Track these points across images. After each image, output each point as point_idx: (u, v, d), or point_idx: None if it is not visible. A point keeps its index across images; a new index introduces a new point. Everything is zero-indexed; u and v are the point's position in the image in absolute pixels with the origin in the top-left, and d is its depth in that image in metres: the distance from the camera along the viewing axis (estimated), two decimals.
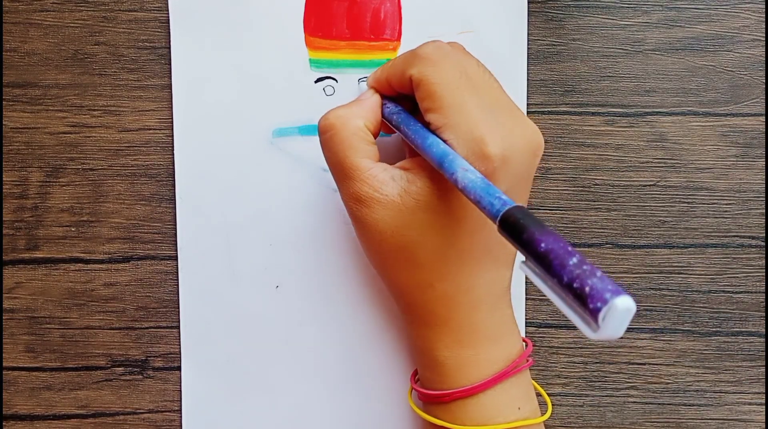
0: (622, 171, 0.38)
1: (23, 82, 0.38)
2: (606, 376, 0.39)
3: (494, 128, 0.29)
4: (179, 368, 0.38)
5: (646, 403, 0.39)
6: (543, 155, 0.32)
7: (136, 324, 0.38)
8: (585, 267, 0.21)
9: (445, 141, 0.29)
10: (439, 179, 0.30)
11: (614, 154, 0.38)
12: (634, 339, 0.39)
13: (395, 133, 0.36)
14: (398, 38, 0.37)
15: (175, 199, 0.38)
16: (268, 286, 0.38)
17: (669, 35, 0.38)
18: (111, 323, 0.38)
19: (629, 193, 0.38)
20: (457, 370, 0.32)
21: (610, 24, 0.38)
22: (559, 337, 0.39)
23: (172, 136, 0.38)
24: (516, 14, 0.37)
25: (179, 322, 0.38)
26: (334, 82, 0.38)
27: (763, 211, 0.38)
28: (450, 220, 0.30)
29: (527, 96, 0.38)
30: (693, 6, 0.38)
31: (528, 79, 0.38)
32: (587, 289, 0.21)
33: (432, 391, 0.33)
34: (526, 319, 0.38)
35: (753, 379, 0.39)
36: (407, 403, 0.38)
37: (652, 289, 0.39)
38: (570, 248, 0.22)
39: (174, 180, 0.38)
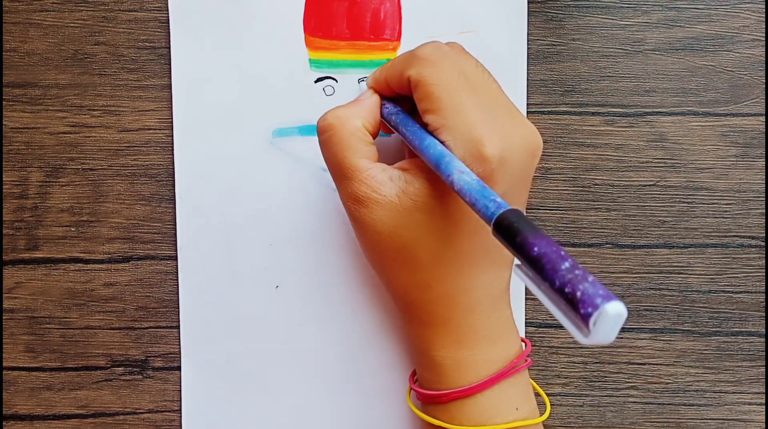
0: (622, 171, 0.38)
1: (23, 82, 0.38)
2: (606, 376, 0.39)
3: (492, 129, 0.29)
4: (179, 368, 0.38)
5: (646, 403, 0.39)
6: (543, 155, 0.32)
7: (136, 324, 0.38)
8: (577, 271, 0.21)
9: (443, 142, 0.29)
10: (438, 180, 0.30)
11: (614, 154, 0.38)
12: (634, 339, 0.39)
13: (395, 133, 0.36)
14: (398, 38, 0.37)
15: (175, 199, 0.38)
16: (268, 286, 0.38)
17: (669, 35, 0.38)
18: (111, 323, 0.38)
19: (629, 193, 0.38)
20: (455, 370, 0.32)
21: (610, 24, 0.38)
22: (558, 337, 0.39)
23: (172, 136, 0.38)
24: (516, 14, 0.37)
25: (179, 322, 0.38)
26: (334, 82, 0.38)
27: (763, 211, 0.38)
28: (448, 222, 0.30)
29: (527, 96, 0.38)
30: (693, 6, 0.38)
31: (528, 79, 0.38)
32: (578, 294, 0.21)
33: (430, 391, 0.33)
34: (525, 319, 0.38)
35: (753, 379, 0.39)
36: (406, 404, 0.38)
37: (652, 289, 0.39)
38: (563, 252, 0.22)
39: (174, 180, 0.38)
